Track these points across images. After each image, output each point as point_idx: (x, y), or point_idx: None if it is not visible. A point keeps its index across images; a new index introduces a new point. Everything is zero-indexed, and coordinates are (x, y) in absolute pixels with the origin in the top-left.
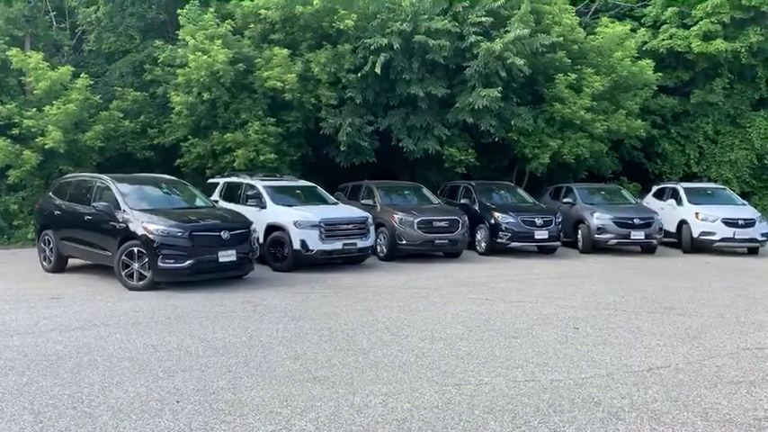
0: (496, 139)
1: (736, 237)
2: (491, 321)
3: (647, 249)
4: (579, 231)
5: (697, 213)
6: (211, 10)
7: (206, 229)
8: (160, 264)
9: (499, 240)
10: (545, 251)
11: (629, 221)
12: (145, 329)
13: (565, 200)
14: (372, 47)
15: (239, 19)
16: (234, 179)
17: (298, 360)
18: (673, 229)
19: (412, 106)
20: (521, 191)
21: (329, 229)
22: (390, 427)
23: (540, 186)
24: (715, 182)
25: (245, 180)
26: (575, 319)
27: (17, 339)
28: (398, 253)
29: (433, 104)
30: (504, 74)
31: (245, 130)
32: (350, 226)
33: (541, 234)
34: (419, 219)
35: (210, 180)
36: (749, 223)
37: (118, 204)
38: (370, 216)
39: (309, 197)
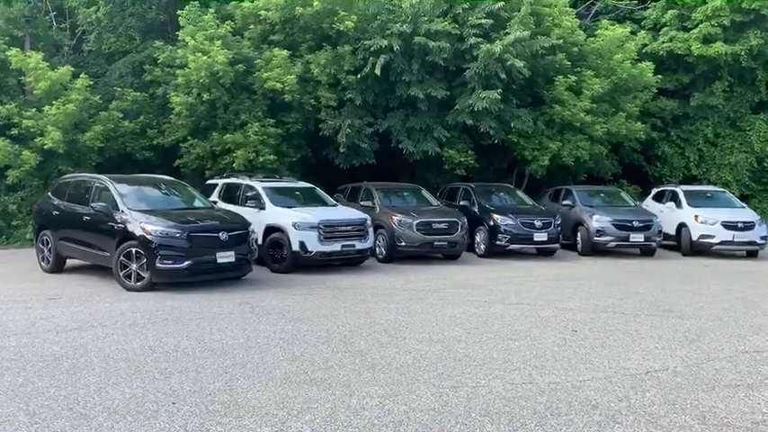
0: (496, 141)
1: (735, 240)
2: (489, 324)
3: (646, 252)
4: (578, 234)
5: (696, 216)
6: (211, 11)
7: (204, 230)
8: (158, 264)
9: (498, 242)
10: (544, 253)
11: (629, 224)
12: (142, 330)
13: (564, 202)
14: (372, 48)
15: (239, 20)
16: (233, 180)
17: (295, 362)
18: (672, 231)
19: (411, 108)
20: (520, 193)
21: (328, 231)
22: (387, 430)
23: (539, 188)
24: (714, 185)
25: (245, 181)
26: (573, 322)
27: (14, 340)
28: (397, 255)
29: (433, 106)
30: (503, 76)
31: (245, 131)
32: (348, 227)
33: (540, 236)
34: (418, 220)
35: (209, 181)
36: (748, 226)
37: (116, 205)
38: (368, 218)
39: (308, 198)
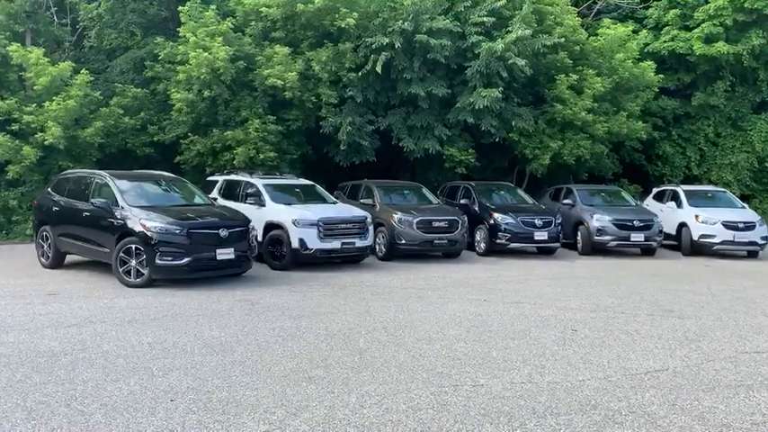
0: (497, 140)
1: (735, 240)
2: (489, 322)
3: (646, 251)
4: (579, 233)
5: (697, 216)
6: (213, 7)
7: (204, 226)
8: (158, 261)
9: (498, 241)
10: (544, 252)
11: (629, 223)
12: (141, 327)
13: (565, 201)
14: (374, 46)
15: (240, 16)
16: (233, 177)
17: (294, 359)
18: (672, 231)
19: (412, 106)
20: (521, 192)
21: (328, 228)
22: (386, 429)
23: (540, 187)
24: (715, 185)
25: (245, 178)
26: (573, 321)
27: (12, 335)
28: (397, 253)
29: (434, 104)
30: (505, 74)
31: (246, 128)
32: (348, 225)
33: (541, 235)
34: (418, 219)
35: (209, 178)
36: (749, 226)
37: (116, 201)
38: (368, 215)
39: (309, 196)
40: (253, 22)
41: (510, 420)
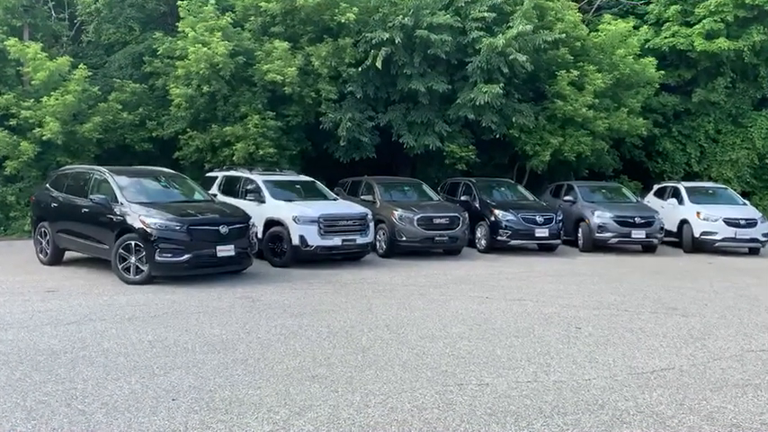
0: (497, 136)
1: (737, 237)
2: (492, 320)
3: (647, 249)
4: (580, 230)
5: (698, 213)
6: (212, 2)
7: (204, 223)
8: (157, 258)
9: (499, 238)
10: (545, 249)
11: (631, 220)
12: (141, 324)
13: (566, 198)
14: (374, 41)
15: (239, 11)
16: (233, 173)
17: (296, 358)
18: (673, 228)
19: (413, 102)
20: (521, 188)
21: (328, 225)
22: (391, 429)
23: (540, 184)
24: (715, 181)
25: (244, 174)
26: (576, 319)
27: (11, 333)
28: (398, 250)
29: (434, 100)
30: (506, 70)
31: (245, 124)
32: (349, 222)
33: (542, 232)
34: (419, 215)
35: (209, 174)
36: (750, 223)
37: (115, 197)
38: (369, 212)
39: (309, 192)
40: (252, 17)
41: (517, 420)
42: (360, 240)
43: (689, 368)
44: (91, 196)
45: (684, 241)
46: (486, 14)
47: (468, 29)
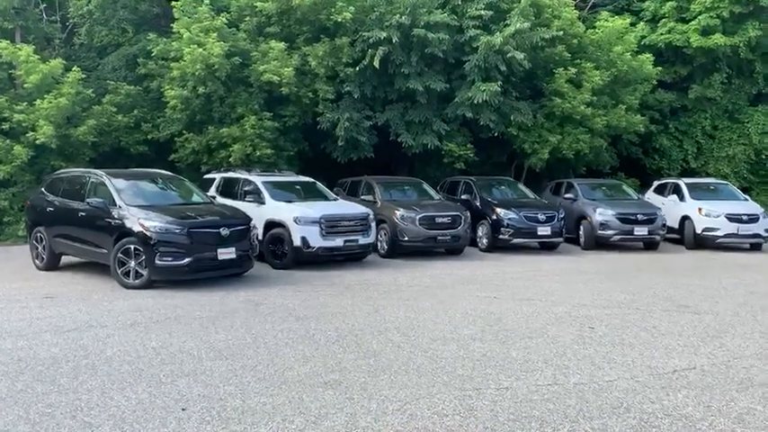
0: (495, 135)
1: (739, 233)
2: (503, 321)
3: (649, 246)
4: (581, 227)
5: (700, 209)
6: (206, 2)
7: (205, 225)
8: (158, 261)
9: (501, 236)
10: (547, 247)
11: (633, 217)
12: (144, 331)
13: (566, 195)
14: (371, 40)
15: (234, 12)
16: (231, 174)
17: (307, 363)
18: (675, 224)
19: (410, 101)
20: (522, 186)
21: (330, 226)
22: None
23: (538, 182)
24: (714, 178)
25: (243, 175)
26: (588, 318)
27: (10, 342)
28: (400, 250)
29: (432, 99)
30: (503, 68)
31: (242, 125)
32: (351, 222)
33: (544, 230)
34: (421, 215)
35: (207, 175)
36: (753, 219)
37: (113, 200)
38: (371, 212)
39: (309, 193)
40: (247, 18)
41: (542, 426)
42: (362, 241)
43: (710, 368)
44: (88, 200)
45: (686, 238)
46: (482, 12)
47: (465, 27)
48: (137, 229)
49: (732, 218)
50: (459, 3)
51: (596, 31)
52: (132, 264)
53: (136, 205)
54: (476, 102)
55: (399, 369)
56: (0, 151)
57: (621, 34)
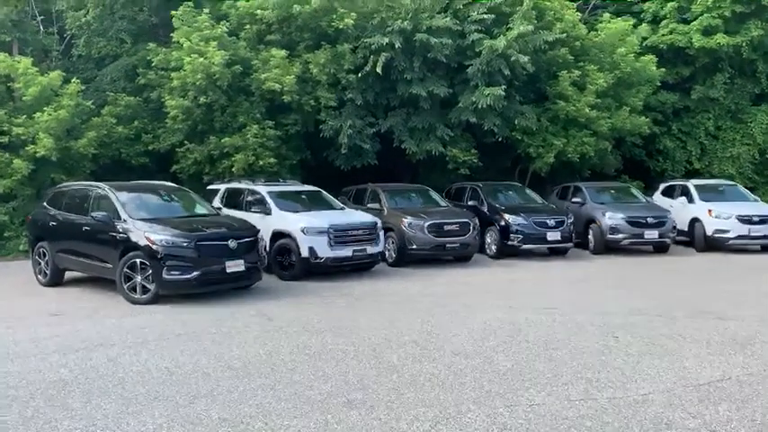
0: (499, 139)
1: (751, 234)
2: (524, 331)
3: (659, 249)
4: (590, 232)
5: (710, 211)
6: (206, 11)
7: (212, 238)
8: (165, 276)
9: (510, 243)
10: (556, 253)
11: (643, 221)
12: (155, 349)
13: (574, 199)
14: (373, 46)
15: (234, 20)
16: (235, 185)
17: (327, 381)
18: (684, 227)
19: (413, 107)
20: (529, 191)
21: (338, 236)
22: None
23: (542, 186)
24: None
25: (248, 186)
26: (611, 327)
27: (18, 363)
28: (408, 258)
29: (435, 104)
30: (507, 72)
31: (244, 134)
32: (359, 231)
33: (554, 235)
34: (429, 222)
35: (210, 186)
36: (764, 220)
37: (117, 214)
38: (379, 221)
39: (315, 202)
40: (247, 26)
41: None
42: (370, 250)
43: (746, 378)
44: (92, 213)
45: (696, 240)
46: (485, 16)
47: (467, 31)
48: (143, 242)
49: (743, 219)
50: (461, 7)
51: (598, 33)
52: (139, 278)
53: (141, 218)
54: (480, 106)
55: (424, 385)
56: (0, 165)
57: (624, 36)
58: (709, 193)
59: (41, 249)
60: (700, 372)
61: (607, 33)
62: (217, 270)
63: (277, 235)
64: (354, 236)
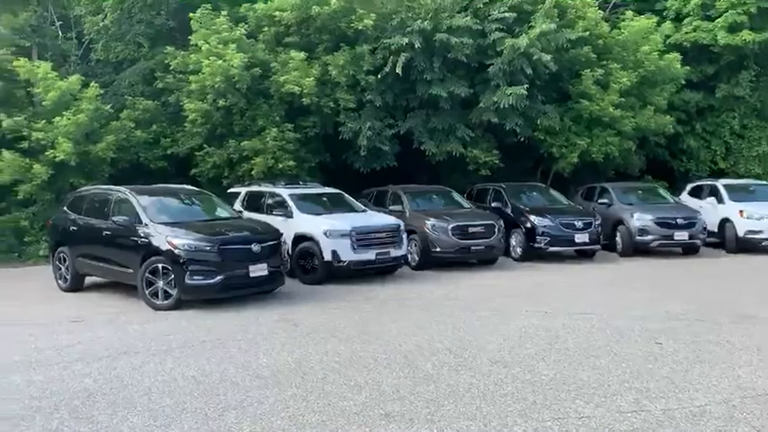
0: (521, 140)
1: None
2: (561, 338)
3: (689, 251)
4: (618, 233)
5: (741, 211)
6: (224, 13)
7: (235, 241)
8: (188, 281)
9: (537, 245)
10: (583, 255)
11: (672, 222)
12: (180, 357)
13: (600, 200)
14: (392, 47)
15: (252, 22)
16: (256, 188)
17: (361, 391)
18: (714, 228)
19: (433, 108)
20: (554, 192)
21: (361, 239)
22: None
23: (564, 187)
24: (744, 178)
25: (269, 188)
26: (652, 332)
27: (41, 372)
28: (431, 261)
29: (455, 105)
30: (529, 71)
31: (263, 137)
32: (382, 234)
33: (581, 237)
34: (453, 224)
35: (231, 189)
36: None
37: (139, 218)
38: (402, 223)
39: (337, 205)
40: (265, 28)
41: None
42: (394, 253)
43: None
44: (113, 218)
45: (728, 241)
46: (506, 15)
47: (488, 30)
48: (165, 247)
49: None
50: (481, 6)
51: (621, 31)
52: (161, 284)
53: (162, 222)
54: (501, 106)
55: (464, 396)
56: (20, 170)
57: (647, 34)
58: (739, 193)
59: (62, 254)
60: (754, 381)
61: (630, 31)
62: (240, 275)
63: (299, 238)
64: (377, 239)
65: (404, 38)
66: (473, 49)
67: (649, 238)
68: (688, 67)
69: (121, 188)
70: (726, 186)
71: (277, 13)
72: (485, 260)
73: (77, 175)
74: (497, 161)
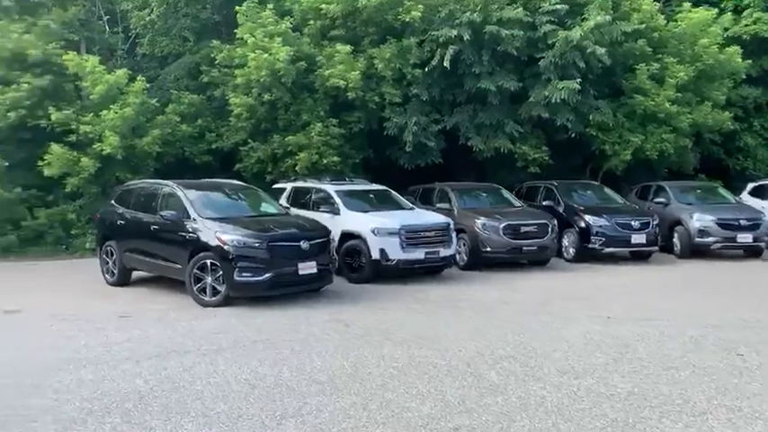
0: (572, 136)
1: None
2: (632, 347)
3: (751, 253)
4: (676, 234)
5: None
6: (270, 6)
7: (285, 238)
8: (236, 277)
9: (591, 246)
10: (638, 257)
11: (735, 223)
12: (231, 357)
13: (656, 200)
14: (441, 39)
15: (298, 15)
16: (302, 184)
17: (424, 401)
18: None
19: (480, 102)
20: (608, 191)
21: (410, 237)
22: None
23: (615, 186)
24: None
25: (315, 184)
26: (730, 342)
27: (90, 371)
28: (480, 261)
29: (504, 99)
30: (582, 65)
31: (307, 132)
32: (431, 233)
33: (638, 238)
34: (504, 223)
35: (276, 185)
36: None
37: (187, 213)
38: (451, 222)
39: (384, 202)
40: (311, 21)
41: None
42: (443, 252)
43: None
44: (161, 212)
45: None
46: (558, 7)
47: (539, 23)
48: (213, 243)
49: None
50: None
51: (678, 23)
52: (209, 280)
53: (210, 218)
54: (552, 101)
55: (537, 410)
56: (68, 163)
57: (706, 26)
58: None
59: (109, 248)
60: None
61: (688, 24)
62: (289, 272)
63: (346, 236)
64: (426, 237)
65: (452, 30)
66: (523, 42)
67: (710, 239)
68: (750, 61)
69: (168, 182)
70: None
71: (323, 5)
72: (535, 261)
73: (123, 169)
74: (547, 158)
